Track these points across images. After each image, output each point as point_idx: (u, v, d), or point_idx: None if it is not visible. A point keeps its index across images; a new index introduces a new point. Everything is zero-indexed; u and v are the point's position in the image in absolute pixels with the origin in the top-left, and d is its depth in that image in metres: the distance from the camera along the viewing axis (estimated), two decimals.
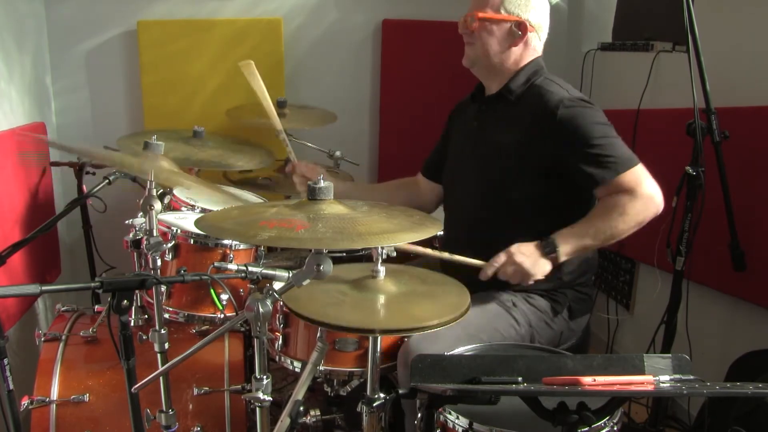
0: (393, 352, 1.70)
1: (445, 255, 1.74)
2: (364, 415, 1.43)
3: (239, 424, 1.84)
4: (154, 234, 1.57)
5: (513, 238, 1.73)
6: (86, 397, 1.77)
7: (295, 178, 2.18)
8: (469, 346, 1.60)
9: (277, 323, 1.74)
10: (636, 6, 2.84)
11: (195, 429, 1.80)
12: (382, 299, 1.45)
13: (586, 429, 1.19)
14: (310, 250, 1.24)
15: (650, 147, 2.53)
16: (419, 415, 1.38)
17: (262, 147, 2.62)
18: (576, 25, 3.25)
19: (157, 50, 2.92)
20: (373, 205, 1.47)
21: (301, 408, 1.38)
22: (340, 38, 3.17)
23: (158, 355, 1.61)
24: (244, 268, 1.55)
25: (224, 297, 1.90)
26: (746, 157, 2.05)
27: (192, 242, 1.91)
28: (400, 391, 1.36)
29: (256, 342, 1.26)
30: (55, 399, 1.76)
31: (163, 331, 1.60)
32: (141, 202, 1.57)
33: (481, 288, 1.75)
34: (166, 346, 1.61)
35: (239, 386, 1.86)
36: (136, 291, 1.37)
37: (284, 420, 1.37)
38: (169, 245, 1.87)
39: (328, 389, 1.76)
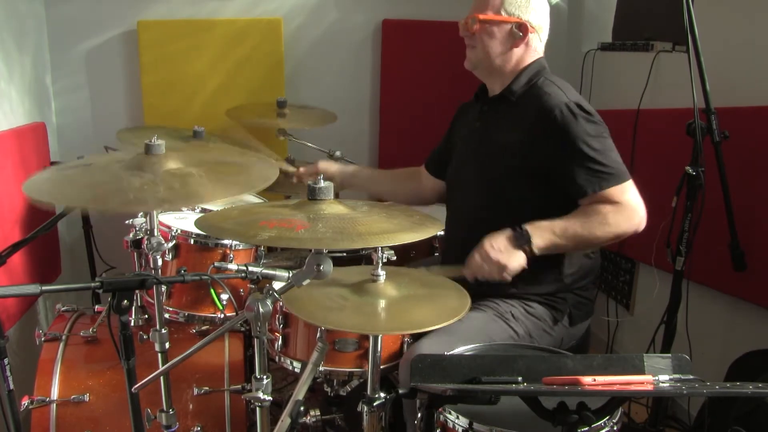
0: (393, 352, 1.71)
1: (422, 269, 1.73)
2: (365, 414, 1.43)
3: (239, 424, 1.84)
4: (155, 234, 1.57)
5: None
6: (86, 397, 1.77)
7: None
8: (470, 346, 1.60)
9: (277, 323, 1.74)
10: (636, 6, 2.84)
11: (195, 429, 1.80)
12: (382, 303, 1.45)
13: (586, 429, 1.20)
14: (310, 250, 1.24)
15: (650, 147, 2.54)
16: (419, 415, 1.38)
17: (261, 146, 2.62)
18: (576, 25, 3.25)
19: (157, 50, 2.92)
20: (373, 205, 1.47)
21: (301, 408, 1.38)
22: (340, 38, 3.17)
23: (158, 355, 1.61)
24: (244, 268, 1.55)
25: (224, 297, 1.90)
26: (746, 157, 2.05)
27: (192, 242, 1.91)
28: (400, 391, 1.36)
29: (256, 342, 1.26)
30: (55, 399, 1.76)
31: (163, 331, 1.60)
32: None
33: (479, 296, 1.74)
34: (167, 346, 1.61)
35: (239, 386, 1.86)
36: (136, 291, 1.37)
37: (284, 420, 1.37)
38: (169, 245, 1.87)
39: (328, 389, 1.76)
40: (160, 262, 1.59)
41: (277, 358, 1.76)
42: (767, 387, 1.08)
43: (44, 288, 1.22)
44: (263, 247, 2.06)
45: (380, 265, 1.49)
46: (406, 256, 2.18)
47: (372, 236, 1.24)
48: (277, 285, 1.28)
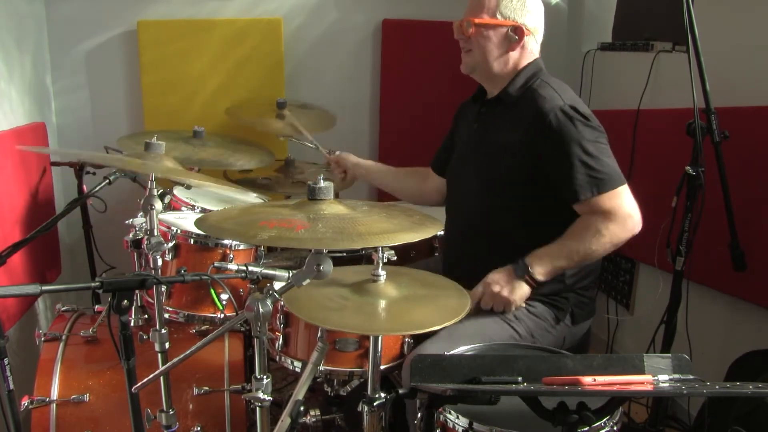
0: (394, 352, 1.71)
1: None
2: (365, 414, 1.43)
3: (239, 424, 1.84)
4: (155, 234, 1.57)
5: (511, 239, 1.73)
6: (86, 397, 1.77)
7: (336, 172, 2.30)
8: (470, 346, 1.60)
9: (277, 323, 1.74)
10: (636, 6, 2.84)
11: (195, 429, 1.80)
12: (383, 303, 1.45)
13: (586, 429, 1.20)
14: (310, 250, 1.24)
15: (650, 147, 2.54)
16: (419, 415, 1.38)
17: (262, 147, 2.62)
18: (576, 25, 3.25)
19: (157, 50, 2.92)
20: (373, 205, 1.47)
21: (302, 408, 1.38)
22: (340, 38, 3.17)
23: (158, 355, 1.61)
24: (244, 268, 1.55)
25: (224, 297, 1.90)
26: (746, 157, 2.05)
27: (192, 242, 1.91)
28: (400, 391, 1.36)
29: (256, 342, 1.26)
30: (55, 399, 1.76)
31: (163, 331, 1.60)
32: (141, 202, 1.57)
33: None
34: (167, 345, 1.61)
35: (239, 386, 1.86)
36: (136, 291, 1.37)
37: (284, 420, 1.37)
38: (169, 245, 1.87)
39: (328, 389, 1.76)
40: (160, 262, 1.59)
41: (277, 358, 1.76)
42: (767, 387, 1.08)
43: (44, 288, 1.21)
44: (263, 247, 2.06)
45: (380, 265, 1.49)
46: (406, 256, 2.18)
47: (372, 236, 1.24)
48: (277, 285, 1.28)
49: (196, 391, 1.83)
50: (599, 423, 1.22)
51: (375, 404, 1.42)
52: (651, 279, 2.50)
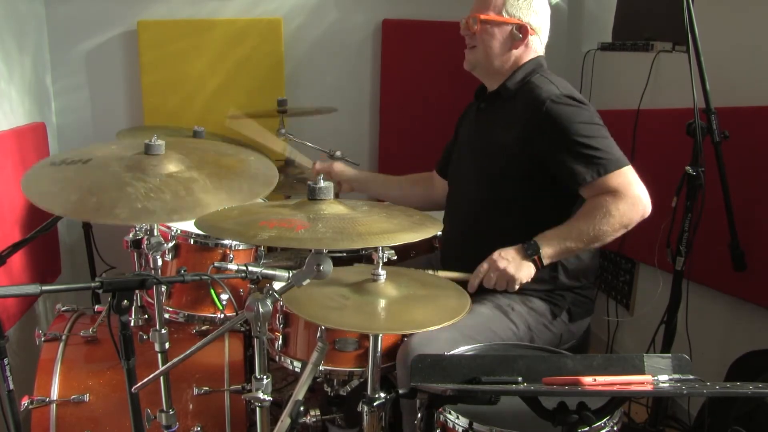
0: (393, 352, 1.70)
1: (429, 271, 1.74)
2: (365, 414, 1.43)
3: (239, 424, 1.84)
4: (155, 234, 1.57)
5: (510, 234, 1.73)
6: (86, 397, 1.77)
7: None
8: (469, 346, 1.60)
9: (277, 323, 1.74)
10: (636, 6, 2.84)
11: (195, 429, 1.80)
12: (383, 303, 1.45)
13: (586, 429, 1.19)
14: (310, 250, 1.24)
15: (650, 147, 2.53)
16: (419, 415, 1.38)
17: (261, 147, 2.62)
18: (576, 25, 3.25)
19: (157, 50, 2.92)
20: (373, 205, 1.47)
21: (301, 408, 1.38)
22: (340, 38, 3.17)
23: (158, 355, 1.61)
24: (244, 268, 1.55)
25: (224, 297, 1.90)
26: (746, 157, 2.05)
27: (192, 242, 1.91)
28: (400, 391, 1.36)
29: (256, 342, 1.26)
30: (55, 399, 1.76)
31: (163, 331, 1.60)
32: None
33: (478, 292, 1.75)
34: (167, 345, 1.61)
35: (239, 386, 1.86)
36: (136, 291, 1.37)
37: (284, 420, 1.37)
38: (169, 245, 1.87)
39: (328, 389, 1.76)
40: (160, 262, 1.59)
41: (277, 358, 1.76)
42: (767, 387, 1.08)
43: (44, 288, 1.21)
44: (263, 247, 2.06)
45: (381, 264, 1.49)
46: (406, 256, 2.18)
47: (372, 236, 1.24)
48: (277, 285, 1.28)
49: (196, 391, 1.83)
50: (599, 423, 1.22)
51: (375, 404, 1.42)
52: (651, 279, 2.50)
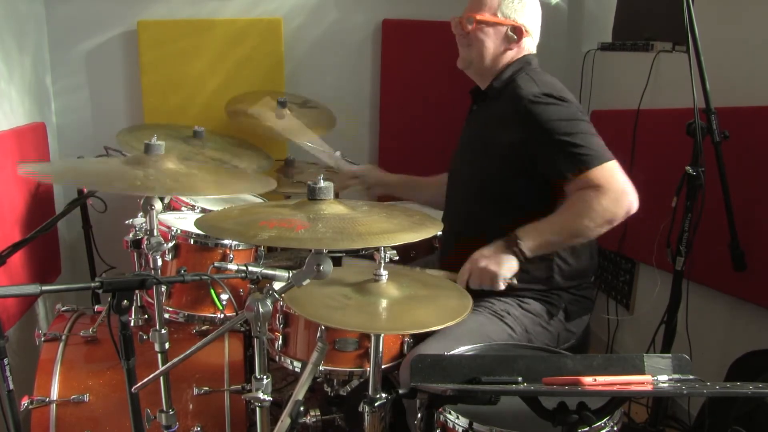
0: (394, 352, 1.71)
1: (417, 269, 1.75)
2: (366, 414, 1.43)
3: (239, 424, 1.84)
4: (155, 234, 1.57)
5: (504, 234, 1.74)
6: (86, 397, 1.77)
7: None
8: (470, 346, 1.60)
9: (277, 323, 1.74)
10: (636, 6, 2.84)
11: (195, 429, 1.80)
12: (384, 303, 1.45)
13: (586, 429, 1.19)
14: (310, 250, 1.24)
15: (650, 147, 2.53)
16: (419, 415, 1.38)
17: (261, 147, 2.63)
18: (576, 25, 3.25)
19: (157, 50, 2.92)
20: (373, 205, 1.47)
21: (301, 408, 1.38)
22: (340, 38, 3.17)
23: (158, 355, 1.61)
24: (244, 268, 1.55)
25: (224, 297, 1.90)
26: (746, 157, 2.05)
27: (192, 242, 1.91)
28: (400, 391, 1.36)
29: (256, 342, 1.26)
30: (55, 399, 1.76)
31: (163, 331, 1.60)
32: (141, 202, 1.57)
33: (480, 295, 1.75)
34: (167, 346, 1.61)
35: (239, 386, 1.86)
36: (136, 291, 1.37)
37: (284, 420, 1.37)
38: (169, 245, 1.87)
39: (328, 389, 1.76)
40: (160, 262, 1.59)
41: (277, 358, 1.76)
42: (767, 387, 1.08)
43: (44, 288, 1.22)
44: (263, 247, 2.06)
45: (383, 264, 1.49)
46: (407, 256, 2.18)
47: (372, 236, 1.24)
48: (277, 285, 1.28)
49: (196, 391, 1.83)
50: (599, 423, 1.22)
51: (376, 404, 1.42)
52: (651, 279, 2.50)
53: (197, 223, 1.33)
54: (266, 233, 1.20)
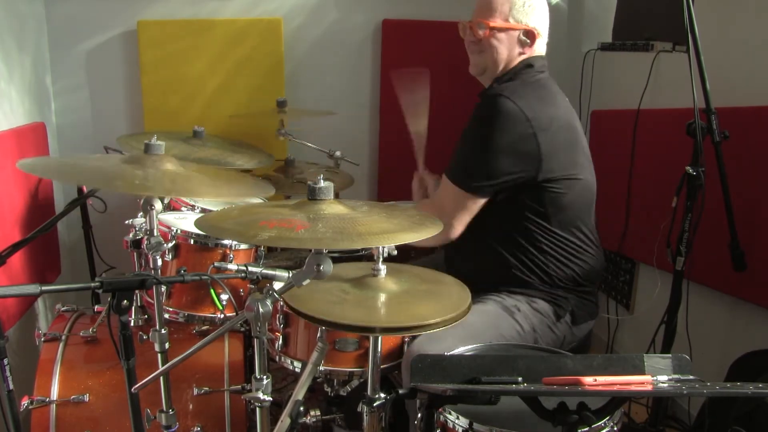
0: (393, 352, 1.71)
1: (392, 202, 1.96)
2: (365, 415, 1.43)
3: (239, 424, 1.84)
4: (155, 234, 1.57)
5: (502, 232, 1.75)
6: (86, 397, 1.77)
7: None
8: (470, 346, 1.60)
9: (277, 323, 1.74)
10: (636, 6, 2.84)
11: (195, 429, 1.80)
12: (383, 297, 1.45)
13: (586, 429, 1.19)
14: (310, 250, 1.24)
15: (650, 147, 2.54)
16: (419, 415, 1.38)
17: (261, 147, 2.62)
18: (576, 25, 3.25)
19: (157, 50, 2.92)
20: (373, 205, 1.47)
21: (301, 408, 1.38)
22: (340, 38, 3.17)
23: (158, 355, 1.61)
24: (244, 268, 1.55)
25: (224, 297, 1.90)
26: (746, 157, 2.05)
27: (192, 242, 1.91)
28: (400, 391, 1.36)
29: (256, 342, 1.26)
30: (55, 399, 1.76)
31: (163, 331, 1.60)
32: (141, 202, 1.57)
33: (484, 291, 1.75)
34: (167, 346, 1.61)
35: (239, 386, 1.86)
36: (136, 291, 1.37)
37: (284, 420, 1.37)
38: (169, 245, 1.87)
39: (328, 389, 1.76)
40: (159, 262, 1.59)
41: (277, 358, 1.76)
42: (767, 387, 1.08)
43: (44, 288, 1.22)
44: (263, 247, 2.06)
45: (381, 260, 1.49)
46: (407, 255, 2.18)
47: (372, 236, 1.24)
48: (277, 285, 1.28)
49: (196, 391, 1.83)
50: (599, 423, 1.22)
51: (375, 404, 1.42)
52: (651, 279, 2.50)
53: (197, 223, 1.33)
54: (266, 233, 1.20)
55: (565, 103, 1.84)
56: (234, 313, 1.91)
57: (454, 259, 1.95)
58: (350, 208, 1.35)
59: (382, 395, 1.43)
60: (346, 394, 1.79)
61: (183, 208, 2.17)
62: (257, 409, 1.31)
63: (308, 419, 1.84)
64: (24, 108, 2.53)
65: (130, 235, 1.87)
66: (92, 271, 2.69)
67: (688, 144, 1.95)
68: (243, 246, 1.94)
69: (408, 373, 1.60)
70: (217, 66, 2.98)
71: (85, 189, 2.27)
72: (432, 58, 3.11)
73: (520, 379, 1.18)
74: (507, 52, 1.81)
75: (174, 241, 1.88)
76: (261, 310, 1.22)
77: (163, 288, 1.85)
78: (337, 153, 2.78)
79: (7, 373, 1.35)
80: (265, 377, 1.28)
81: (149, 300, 1.93)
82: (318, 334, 1.59)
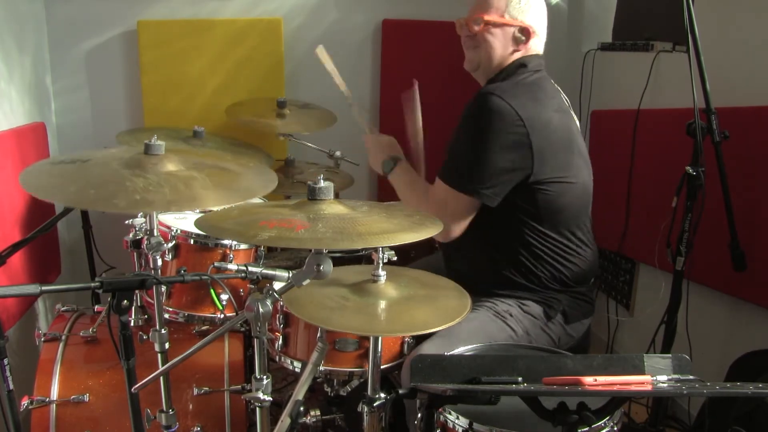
0: (394, 352, 1.71)
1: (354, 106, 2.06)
2: (365, 415, 1.43)
3: (239, 424, 1.84)
4: (155, 234, 1.57)
5: (503, 231, 1.75)
6: (86, 397, 1.77)
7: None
8: (470, 347, 1.60)
9: (277, 323, 1.74)
10: (636, 6, 2.84)
11: (195, 429, 1.80)
12: (383, 304, 1.45)
13: (586, 429, 1.20)
14: (310, 250, 1.24)
15: (650, 147, 2.54)
16: (419, 415, 1.38)
17: (261, 147, 2.63)
18: (576, 25, 3.25)
19: (157, 50, 2.92)
20: (373, 205, 1.47)
21: (301, 408, 1.38)
22: (340, 38, 3.16)
23: (158, 355, 1.61)
24: (244, 268, 1.55)
25: (224, 297, 1.90)
26: (746, 157, 2.05)
27: (192, 242, 1.91)
28: (400, 391, 1.36)
29: (256, 342, 1.26)
30: (55, 399, 1.76)
31: (163, 331, 1.60)
32: None
33: (477, 295, 1.75)
34: (167, 346, 1.61)
35: (239, 386, 1.86)
36: (136, 291, 1.37)
37: (284, 420, 1.37)
38: (169, 245, 1.87)
39: (328, 389, 1.76)
40: (159, 262, 1.59)
41: (277, 358, 1.76)
42: (767, 387, 1.08)
43: (44, 288, 1.21)
44: (263, 247, 2.06)
45: (381, 265, 1.49)
46: (406, 255, 2.18)
47: (372, 236, 1.23)
48: (277, 285, 1.28)
49: (196, 391, 1.83)
50: (599, 423, 1.22)
51: (375, 405, 1.42)
52: (651, 279, 2.50)
53: (197, 223, 1.33)
54: (266, 233, 1.20)
55: (562, 104, 1.83)
56: (234, 313, 1.91)
57: (452, 258, 1.95)
58: (350, 208, 1.35)
59: (382, 395, 1.43)
60: (346, 394, 1.79)
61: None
62: (257, 409, 1.31)
63: (308, 419, 1.84)
64: (24, 108, 2.53)
65: (130, 235, 1.87)
66: (92, 271, 2.69)
67: (688, 144, 1.94)
68: (243, 246, 1.94)
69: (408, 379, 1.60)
70: (217, 66, 2.98)
71: None
72: (432, 58, 3.12)
73: (520, 379, 1.18)
74: (501, 48, 1.80)
75: (174, 241, 1.88)
76: (261, 310, 1.22)
77: (163, 288, 1.85)
78: (337, 153, 2.78)
79: (7, 373, 1.35)
80: (265, 377, 1.28)
81: (149, 300, 1.93)
82: (318, 334, 1.59)
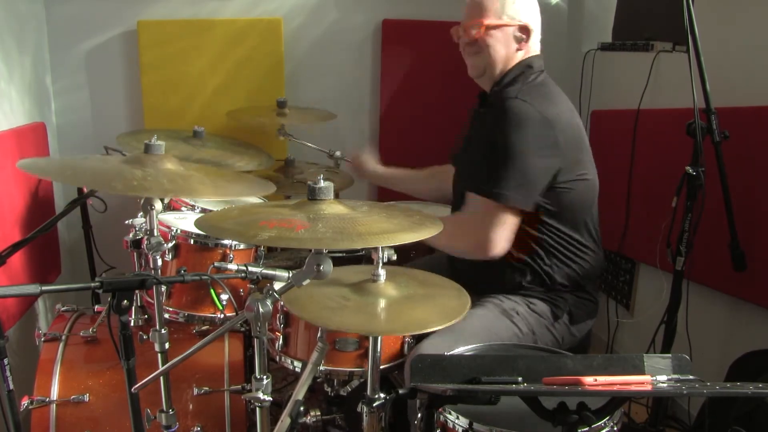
0: (394, 352, 1.71)
1: None
2: (365, 415, 1.43)
3: (239, 424, 1.84)
4: (155, 234, 1.57)
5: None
6: (86, 397, 1.77)
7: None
8: (470, 346, 1.60)
9: (278, 323, 1.74)
10: (636, 6, 2.84)
11: (195, 429, 1.80)
12: (383, 303, 1.45)
13: (586, 429, 1.19)
14: (310, 250, 1.24)
15: (650, 147, 2.54)
16: (419, 415, 1.38)
17: (261, 147, 2.62)
18: (576, 25, 3.25)
19: (157, 50, 2.92)
20: (373, 205, 1.47)
21: (302, 408, 1.38)
22: (340, 38, 3.17)
23: (158, 355, 1.61)
24: (244, 268, 1.55)
25: (224, 297, 1.90)
26: (746, 157, 2.05)
27: (192, 242, 1.91)
28: (400, 391, 1.36)
29: (256, 342, 1.26)
30: (55, 399, 1.76)
31: (163, 331, 1.60)
32: (141, 202, 1.57)
33: (484, 294, 1.75)
34: (167, 346, 1.61)
35: (239, 386, 1.86)
36: (136, 291, 1.37)
37: (284, 420, 1.37)
38: (169, 245, 1.87)
39: (328, 389, 1.76)
40: (160, 262, 1.59)
41: (277, 358, 1.76)
42: (767, 387, 1.08)
43: (44, 288, 1.22)
44: (263, 247, 2.06)
45: (380, 265, 1.49)
46: (406, 255, 2.18)
47: (372, 236, 1.23)
48: (277, 285, 1.28)
49: (196, 391, 1.83)
50: (599, 423, 1.22)
51: (374, 405, 1.42)
52: (651, 279, 2.50)
53: (197, 223, 1.33)
54: (266, 233, 1.20)
55: (567, 102, 1.84)
56: (234, 313, 1.91)
57: (455, 261, 1.94)
58: (350, 208, 1.35)
59: (382, 395, 1.43)
60: (346, 394, 1.79)
61: (183, 208, 2.17)
62: (257, 409, 1.31)
63: (308, 419, 1.84)
64: (24, 108, 2.53)
65: (130, 235, 1.87)
66: (92, 271, 2.69)
67: (688, 144, 1.94)
68: (243, 246, 1.94)
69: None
70: (217, 66, 2.98)
71: (85, 189, 2.28)
72: (432, 58, 3.12)
73: (520, 379, 1.18)
74: (504, 50, 1.80)
75: (174, 241, 1.88)
76: (261, 310, 1.22)
77: (163, 288, 1.85)
78: (337, 153, 2.77)
79: (7, 373, 1.35)
80: (265, 377, 1.28)
81: (149, 300, 1.93)
82: (318, 334, 1.59)
